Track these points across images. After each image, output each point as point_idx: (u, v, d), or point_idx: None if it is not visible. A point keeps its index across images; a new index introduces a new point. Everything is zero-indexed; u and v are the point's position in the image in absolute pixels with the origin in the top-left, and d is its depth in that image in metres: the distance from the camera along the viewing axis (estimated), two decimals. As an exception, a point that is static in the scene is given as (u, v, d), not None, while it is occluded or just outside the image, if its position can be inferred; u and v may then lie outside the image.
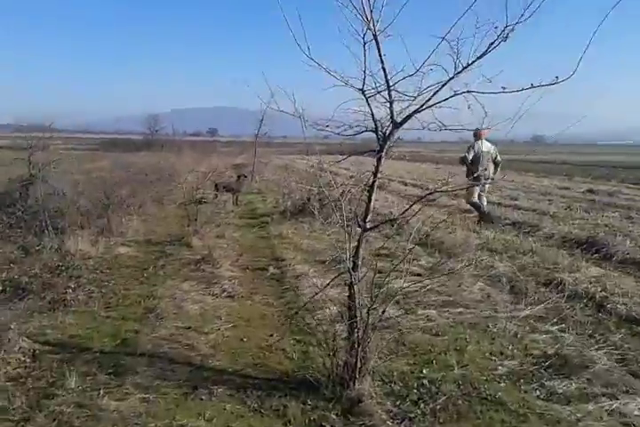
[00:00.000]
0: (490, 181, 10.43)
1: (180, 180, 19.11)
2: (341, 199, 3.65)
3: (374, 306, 3.31)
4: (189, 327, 4.65)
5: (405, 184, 18.92)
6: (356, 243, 3.59)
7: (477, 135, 10.08)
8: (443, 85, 3.10)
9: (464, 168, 10.35)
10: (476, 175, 9.14)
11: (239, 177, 13.49)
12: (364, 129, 3.44)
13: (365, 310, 3.34)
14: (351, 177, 11.81)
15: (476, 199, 10.40)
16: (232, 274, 6.41)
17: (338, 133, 3.48)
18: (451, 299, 5.40)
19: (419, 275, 6.28)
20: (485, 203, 10.71)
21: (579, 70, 2.72)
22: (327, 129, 3.56)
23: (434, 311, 5.03)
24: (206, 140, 71.96)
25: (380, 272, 6.21)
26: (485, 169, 10.00)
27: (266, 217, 10.77)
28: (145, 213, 10.86)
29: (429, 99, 3.17)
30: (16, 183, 9.34)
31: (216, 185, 13.09)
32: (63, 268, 6.48)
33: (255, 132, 20.53)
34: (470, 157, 10.07)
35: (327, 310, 4.72)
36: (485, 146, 10.18)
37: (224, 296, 5.55)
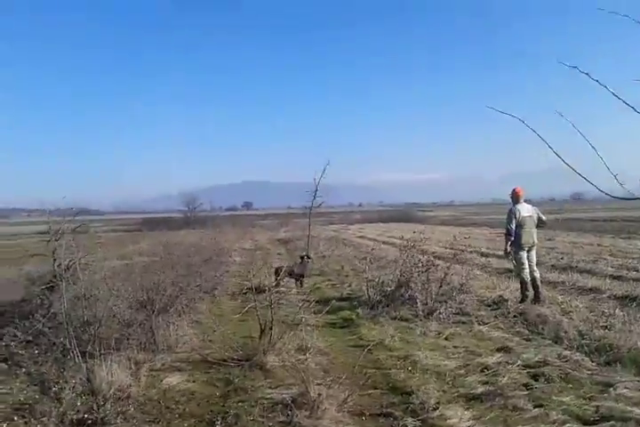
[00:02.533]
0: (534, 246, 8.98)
1: (229, 260, 17.23)
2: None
3: None
4: None
5: (483, 255, 16.46)
6: None
7: (515, 197, 8.94)
8: None
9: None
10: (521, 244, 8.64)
11: (302, 258, 11.34)
12: None
13: None
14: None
15: (527, 275, 8.73)
16: (346, 430, 4.08)
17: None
18: None
19: None
20: (538, 276, 8.87)
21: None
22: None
23: None
24: (244, 215, 71.31)
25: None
26: (530, 236, 8.77)
27: (347, 311, 8.45)
28: (196, 311, 8.72)
29: None
30: (36, 286, 7.35)
31: (276, 270, 10.95)
32: (89, 421, 4.36)
33: (307, 203, 18.74)
34: (513, 226, 8.69)
35: None
36: (525, 209, 8.83)
37: None
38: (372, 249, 9.91)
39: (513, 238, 8.71)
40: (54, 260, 7.35)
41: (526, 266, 8.75)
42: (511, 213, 8.79)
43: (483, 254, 16.49)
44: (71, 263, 7.07)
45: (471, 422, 4.04)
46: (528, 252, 8.80)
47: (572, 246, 18.58)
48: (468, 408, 4.35)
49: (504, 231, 9.00)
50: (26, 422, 4.42)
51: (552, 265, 13.43)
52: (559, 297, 8.93)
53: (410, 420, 4.17)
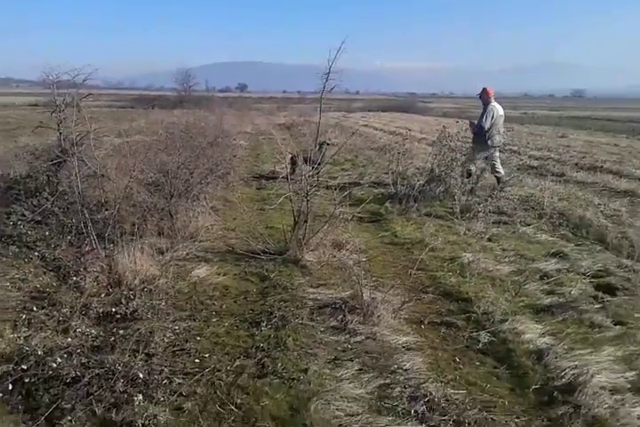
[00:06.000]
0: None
1: (234, 143, 16.40)
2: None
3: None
4: None
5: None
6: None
7: (487, 96, 8.91)
8: None
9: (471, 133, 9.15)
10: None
11: (321, 145, 10.56)
12: None
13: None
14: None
15: (473, 168, 8.68)
16: (406, 340, 3.67)
17: None
18: None
19: None
20: (502, 170, 9.01)
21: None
22: None
23: None
24: (239, 97, 68.73)
25: None
26: (502, 136, 9.05)
27: (373, 204, 7.88)
28: (211, 197, 8.16)
29: None
30: (43, 162, 6.63)
31: (292, 157, 10.27)
32: (118, 316, 3.95)
33: (303, 87, 17.59)
34: (488, 124, 8.68)
35: None
36: (499, 109, 8.88)
37: (437, 415, 2.81)
38: (405, 139, 9.15)
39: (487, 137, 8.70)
40: (60, 133, 6.59)
41: (479, 162, 8.71)
42: (487, 112, 8.71)
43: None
44: (79, 138, 6.28)
45: (548, 338, 3.64)
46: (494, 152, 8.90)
47: (589, 145, 17.96)
48: (538, 322, 3.94)
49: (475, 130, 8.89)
50: (47, 314, 3.98)
51: (575, 164, 12.92)
52: (596, 199, 8.46)
53: (479, 332, 3.76)
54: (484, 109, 8.92)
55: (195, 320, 3.99)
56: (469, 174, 8.50)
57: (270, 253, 5.39)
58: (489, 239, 6.15)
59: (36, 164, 6.61)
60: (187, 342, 3.63)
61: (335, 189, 6.82)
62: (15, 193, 6.26)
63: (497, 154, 9.02)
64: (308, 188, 5.56)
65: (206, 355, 3.46)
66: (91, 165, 5.84)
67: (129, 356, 3.29)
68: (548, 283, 4.69)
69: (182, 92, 55.64)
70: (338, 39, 7.30)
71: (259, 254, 5.32)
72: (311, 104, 43.18)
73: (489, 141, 8.72)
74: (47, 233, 5.63)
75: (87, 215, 5.26)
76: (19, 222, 5.75)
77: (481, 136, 8.75)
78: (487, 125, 8.67)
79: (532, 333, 3.71)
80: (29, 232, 5.67)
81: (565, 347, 3.47)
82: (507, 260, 5.36)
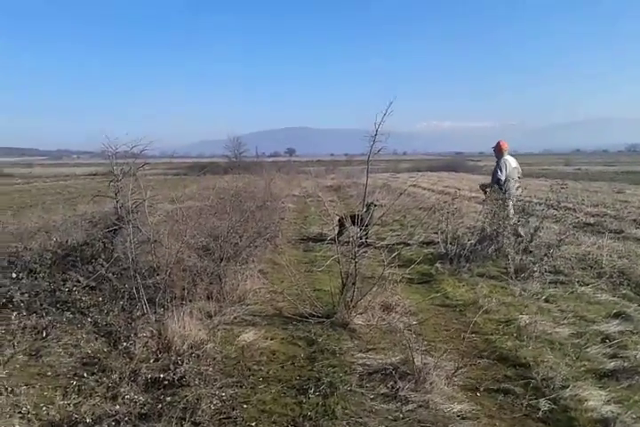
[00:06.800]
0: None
1: (282, 206, 16.68)
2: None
3: None
4: None
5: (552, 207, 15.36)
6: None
7: (500, 150, 9.26)
8: None
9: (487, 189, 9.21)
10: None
11: (368, 206, 10.62)
12: None
13: None
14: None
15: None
16: (461, 408, 3.48)
17: None
18: None
19: None
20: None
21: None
22: None
23: None
24: (288, 161, 70.53)
25: None
26: (516, 188, 9.08)
27: (423, 265, 7.76)
28: (259, 260, 8.22)
29: None
30: (99, 229, 6.89)
31: (340, 219, 10.31)
32: (166, 382, 3.91)
33: (350, 150, 17.95)
34: (504, 177, 8.95)
35: None
36: (512, 161, 9.22)
37: None
38: (454, 198, 9.14)
39: (503, 190, 8.77)
40: (117, 201, 6.87)
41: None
42: (501, 165, 8.97)
43: (552, 206, 15.45)
44: (135, 206, 6.54)
45: (614, 406, 3.38)
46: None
47: (648, 201, 17.35)
48: (602, 388, 3.69)
49: (488, 183, 9.17)
50: (97, 380, 4.00)
51: (634, 220, 12.43)
52: (658, 257, 8.08)
53: (539, 399, 3.53)
54: (496, 163, 9.16)
55: (242, 387, 3.93)
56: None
57: (318, 317, 5.32)
58: (546, 300, 5.90)
59: (93, 231, 6.87)
60: (233, 409, 3.55)
61: (384, 250, 6.77)
62: (72, 260, 6.49)
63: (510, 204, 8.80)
64: (356, 249, 5.53)
65: (253, 423, 3.37)
66: (144, 232, 6.03)
67: (175, 424, 3.26)
68: (610, 346, 4.42)
69: (233, 158, 57.62)
70: (383, 102, 7.47)
71: (306, 318, 5.26)
72: (359, 166, 43.73)
73: (505, 194, 8.69)
74: (100, 299, 5.74)
75: (139, 280, 5.38)
76: (74, 288, 5.92)
77: (498, 191, 8.73)
78: (503, 177, 8.88)
79: (596, 400, 3.46)
80: (83, 298, 5.80)
81: (634, 416, 3.23)
82: (566, 322, 5.11)
